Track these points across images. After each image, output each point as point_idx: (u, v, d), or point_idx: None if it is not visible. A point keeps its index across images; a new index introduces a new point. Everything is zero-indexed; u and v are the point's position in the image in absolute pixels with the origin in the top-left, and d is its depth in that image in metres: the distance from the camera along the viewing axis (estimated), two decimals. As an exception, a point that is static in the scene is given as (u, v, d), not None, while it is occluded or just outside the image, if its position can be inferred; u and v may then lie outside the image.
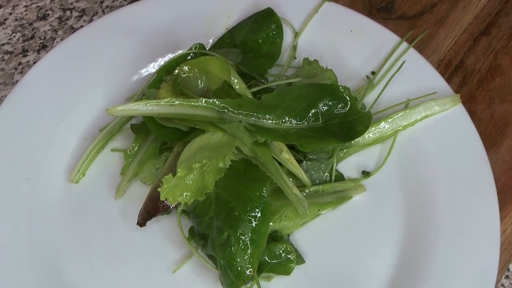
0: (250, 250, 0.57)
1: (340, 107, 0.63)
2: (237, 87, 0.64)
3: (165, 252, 0.63)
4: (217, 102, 0.60)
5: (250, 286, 0.58)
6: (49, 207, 0.65)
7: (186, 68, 0.64)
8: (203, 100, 0.59)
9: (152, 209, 0.61)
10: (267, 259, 0.60)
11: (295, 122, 0.62)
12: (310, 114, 0.63)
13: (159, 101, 0.59)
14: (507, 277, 0.65)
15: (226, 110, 0.60)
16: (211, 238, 0.58)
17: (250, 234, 0.57)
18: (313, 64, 0.70)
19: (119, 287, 0.61)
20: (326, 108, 0.63)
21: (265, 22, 0.73)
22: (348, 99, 0.63)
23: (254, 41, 0.72)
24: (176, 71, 0.64)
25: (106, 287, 0.61)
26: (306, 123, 0.63)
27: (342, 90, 0.63)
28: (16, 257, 0.61)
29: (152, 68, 0.73)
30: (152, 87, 0.66)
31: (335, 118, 0.63)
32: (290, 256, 0.61)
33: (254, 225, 0.57)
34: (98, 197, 0.66)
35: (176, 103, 0.59)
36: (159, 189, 0.57)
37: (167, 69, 0.67)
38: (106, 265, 0.62)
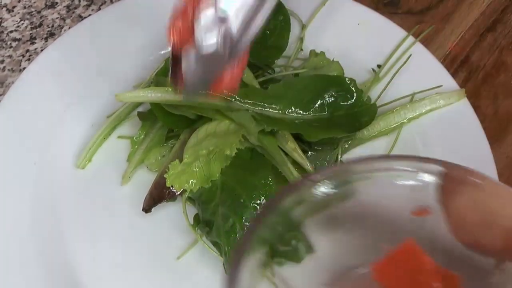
0: None
1: (346, 98, 0.63)
2: (244, 76, 0.64)
3: (170, 238, 0.63)
4: (224, 91, 0.60)
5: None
6: (55, 192, 0.65)
7: None
8: None
9: (158, 196, 0.62)
10: (278, 246, 0.60)
11: (301, 112, 0.63)
12: (316, 105, 0.63)
13: (168, 88, 0.59)
14: (508, 271, 0.66)
15: (233, 99, 0.60)
16: (216, 225, 0.58)
17: None
18: (320, 56, 0.70)
19: (123, 273, 0.61)
20: (332, 99, 0.63)
21: (273, 13, 0.73)
22: (354, 90, 0.63)
23: (261, 32, 0.72)
24: None
25: (111, 272, 0.61)
26: (312, 114, 0.63)
27: (348, 82, 0.63)
28: (21, 242, 0.61)
29: (161, 56, 0.73)
30: (160, 75, 0.66)
31: (340, 109, 0.64)
32: (300, 244, 0.61)
33: None
34: (104, 183, 0.66)
35: None
36: (165, 175, 0.58)
37: (175, 58, 0.67)
38: (111, 250, 0.62)
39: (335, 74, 0.68)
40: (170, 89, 0.59)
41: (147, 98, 0.59)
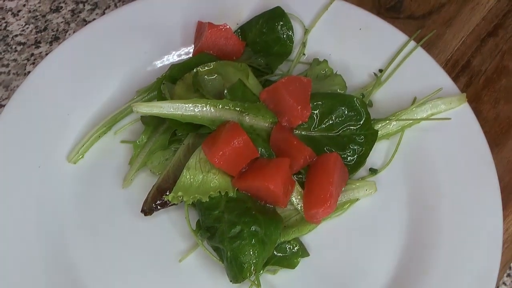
0: (258, 250, 0.57)
1: (355, 120, 0.65)
2: (250, 82, 0.65)
3: (173, 241, 0.64)
4: (239, 105, 0.62)
5: (254, 279, 0.59)
6: (58, 194, 0.66)
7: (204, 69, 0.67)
8: (229, 103, 0.61)
9: (160, 199, 0.62)
10: (273, 252, 0.61)
11: (310, 128, 0.65)
12: (323, 124, 0.65)
13: (184, 101, 0.60)
14: (508, 275, 0.66)
15: (247, 113, 0.62)
16: (220, 231, 0.59)
17: (262, 235, 0.58)
18: (322, 64, 0.71)
19: (125, 274, 0.62)
20: (340, 119, 0.65)
21: (276, 23, 0.73)
22: (363, 113, 0.65)
23: (265, 42, 0.73)
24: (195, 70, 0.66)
25: (113, 274, 0.62)
26: (318, 130, 0.65)
27: (359, 103, 0.65)
28: (25, 244, 0.62)
29: (164, 61, 0.74)
30: (167, 81, 0.67)
31: (347, 129, 0.65)
32: (295, 249, 0.62)
33: (266, 230, 0.58)
34: (106, 186, 0.67)
35: (200, 105, 0.61)
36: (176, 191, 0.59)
37: (182, 66, 0.68)
38: (113, 253, 0.63)
39: (338, 88, 0.69)
40: (186, 104, 0.60)
41: (162, 111, 0.60)
